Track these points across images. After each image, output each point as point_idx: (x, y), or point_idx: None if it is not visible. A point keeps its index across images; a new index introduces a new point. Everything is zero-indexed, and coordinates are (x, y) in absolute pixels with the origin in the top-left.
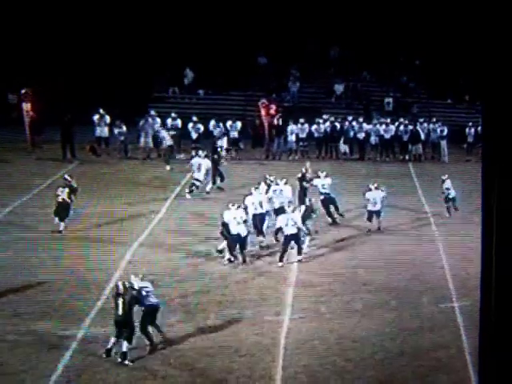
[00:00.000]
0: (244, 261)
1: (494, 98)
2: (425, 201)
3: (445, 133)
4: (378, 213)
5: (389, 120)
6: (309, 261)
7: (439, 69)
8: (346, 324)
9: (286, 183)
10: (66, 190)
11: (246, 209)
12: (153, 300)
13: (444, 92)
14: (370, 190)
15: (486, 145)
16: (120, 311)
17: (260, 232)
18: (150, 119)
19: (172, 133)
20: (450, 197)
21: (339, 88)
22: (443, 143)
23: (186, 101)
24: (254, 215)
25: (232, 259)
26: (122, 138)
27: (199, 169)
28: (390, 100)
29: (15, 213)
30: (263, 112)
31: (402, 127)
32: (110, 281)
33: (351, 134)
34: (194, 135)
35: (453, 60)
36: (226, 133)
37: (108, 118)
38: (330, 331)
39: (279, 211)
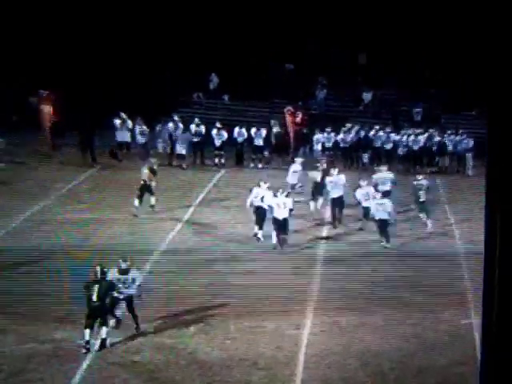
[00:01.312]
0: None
1: (498, 104)
2: (450, 214)
3: (470, 145)
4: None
5: (418, 131)
6: (329, 274)
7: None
8: (367, 339)
9: (339, 173)
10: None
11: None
12: (128, 291)
13: (470, 104)
14: (361, 186)
15: (490, 148)
16: (95, 298)
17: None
18: (170, 124)
19: (196, 139)
20: (421, 200)
21: (367, 96)
22: (469, 156)
23: (210, 106)
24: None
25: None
26: (144, 139)
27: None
28: (419, 110)
29: (32, 220)
30: (289, 120)
31: (430, 139)
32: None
33: (378, 143)
34: (218, 142)
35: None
36: (251, 140)
37: (130, 123)
38: (350, 345)
39: (336, 201)
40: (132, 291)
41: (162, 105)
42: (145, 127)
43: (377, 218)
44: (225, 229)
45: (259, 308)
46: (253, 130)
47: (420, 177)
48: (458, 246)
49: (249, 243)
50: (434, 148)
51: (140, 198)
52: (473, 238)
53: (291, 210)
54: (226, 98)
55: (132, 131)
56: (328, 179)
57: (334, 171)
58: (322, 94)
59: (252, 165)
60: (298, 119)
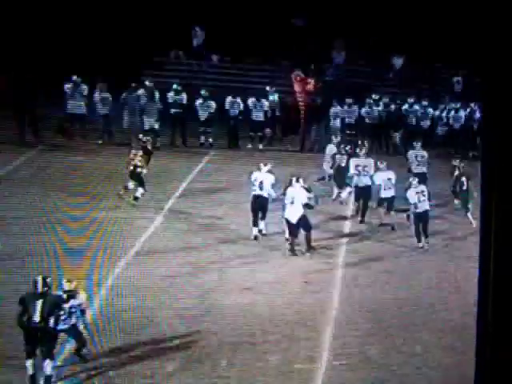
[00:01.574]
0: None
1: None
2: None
3: None
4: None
5: (458, 105)
6: (352, 292)
7: None
8: (400, 372)
9: (367, 155)
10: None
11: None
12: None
13: None
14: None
15: (486, 143)
16: (37, 317)
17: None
18: (140, 91)
19: (175, 111)
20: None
21: (398, 61)
22: None
23: (193, 68)
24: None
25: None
26: (106, 110)
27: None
28: (459, 79)
29: None
30: (298, 88)
31: (474, 115)
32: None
33: (413, 120)
34: (203, 115)
35: None
36: (248, 114)
37: (85, 89)
38: (381, 382)
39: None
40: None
41: (131, 66)
42: (107, 94)
43: (421, 210)
44: (214, 230)
45: (262, 336)
46: (250, 101)
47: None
48: None
49: (245, 249)
50: (475, 126)
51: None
52: None
53: (309, 207)
54: (214, 57)
55: (89, 99)
56: (354, 162)
57: (361, 152)
58: (339, 58)
59: (250, 145)
60: (310, 87)
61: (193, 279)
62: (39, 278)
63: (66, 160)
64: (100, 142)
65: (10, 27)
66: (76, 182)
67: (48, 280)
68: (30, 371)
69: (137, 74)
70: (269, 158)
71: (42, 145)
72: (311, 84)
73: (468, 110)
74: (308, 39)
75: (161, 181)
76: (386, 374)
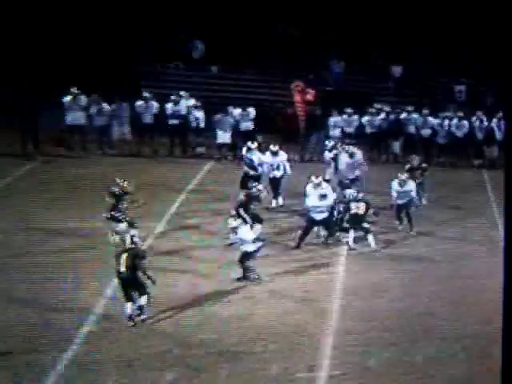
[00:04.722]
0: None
1: None
2: (500, 220)
3: None
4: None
5: (462, 114)
6: (354, 300)
7: None
8: (402, 382)
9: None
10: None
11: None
12: None
13: None
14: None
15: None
16: (122, 267)
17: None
18: (139, 102)
19: (173, 122)
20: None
21: (397, 70)
22: None
23: (192, 80)
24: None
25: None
26: (103, 121)
27: None
28: (463, 88)
29: None
30: (297, 98)
31: (477, 123)
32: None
33: (412, 129)
34: (193, 124)
35: None
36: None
37: (84, 100)
38: None
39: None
40: None
41: (129, 78)
42: (104, 104)
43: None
44: (214, 239)
45: (261, 345)
46: (237, 112)
47: None
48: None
49: None
50: (480, 136)
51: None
52: None
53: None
54: (213, 69)
55: (87, 110)
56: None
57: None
58: (338, 67)
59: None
60: (309, 97)
61: (192, 288)
62: (127, 237)
63: (64, 171)
64: (99, 152)
65: (12, 41)
66: (76, 193)
67: (134, 239)
68: (128, 312)
69: (136, 85)
70: None
71: (42, 156)
72: (310, 94)
73: (474, 118)
74: (306, 50)
75: (159, 190)
76: None
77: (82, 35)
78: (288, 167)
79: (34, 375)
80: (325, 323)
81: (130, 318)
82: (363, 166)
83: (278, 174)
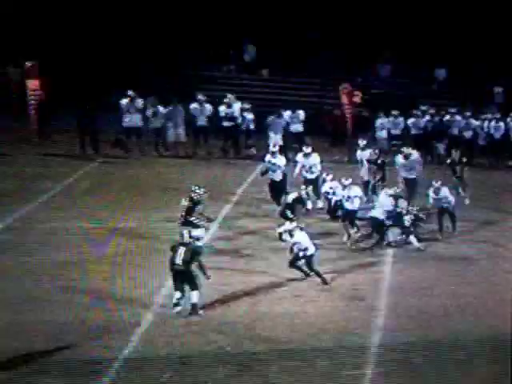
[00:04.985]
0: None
1: None
2: None
3: None
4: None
5: (499, 115)
6: (400, 298)
7: None
8: (445, 379)
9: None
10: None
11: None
12: None
13: None
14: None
15: None
16: (178, 260)
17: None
18: (193, 105)
19: (227, 124)
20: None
21: (441, 73)
22: None
23: (244, 82)
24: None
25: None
26: (159, 123)
27: None
28: (500, 90)
29: (15, 228)
30: (345, 100)
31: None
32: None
33: (455, 131)
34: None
35: None
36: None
37: (141, 103)
38: None
39: None
40: None
41: (183, 81)
42: (160, 107)
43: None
44: (265, 239)
45: (310, 342)
46: (287, 114)
47: None
48: None
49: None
50: None
51: None
52: None
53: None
54: (264, 72)
55: (143, 113)
56: None
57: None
58: (385, 70)
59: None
60: (357, 99)
61: (244, 287)
62: (185, 232)
63: (122, 172)
64: (155, 154)
65: (72, 45)
66: (133, 194)
67: (192, 233)
68: (175, 299)
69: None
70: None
71: (101, 158)
72: (358, 96)
73: (508, 119)
74: (354, 53)
75: (213, 191)
76: (431, 381)
77: (141, 40)
78: (319, 169)
79: (90, 372)
80: (372, 321)
81: (176, 305)
82: (419, 167)
83: (311, 176)
